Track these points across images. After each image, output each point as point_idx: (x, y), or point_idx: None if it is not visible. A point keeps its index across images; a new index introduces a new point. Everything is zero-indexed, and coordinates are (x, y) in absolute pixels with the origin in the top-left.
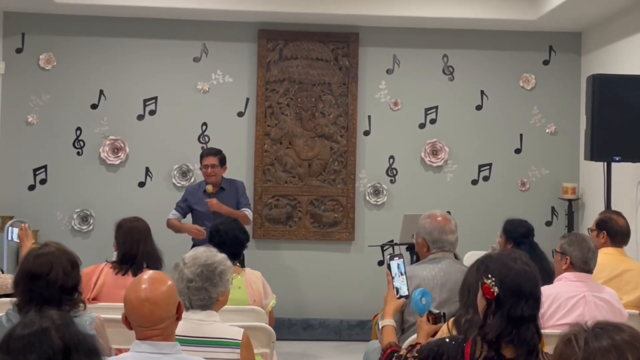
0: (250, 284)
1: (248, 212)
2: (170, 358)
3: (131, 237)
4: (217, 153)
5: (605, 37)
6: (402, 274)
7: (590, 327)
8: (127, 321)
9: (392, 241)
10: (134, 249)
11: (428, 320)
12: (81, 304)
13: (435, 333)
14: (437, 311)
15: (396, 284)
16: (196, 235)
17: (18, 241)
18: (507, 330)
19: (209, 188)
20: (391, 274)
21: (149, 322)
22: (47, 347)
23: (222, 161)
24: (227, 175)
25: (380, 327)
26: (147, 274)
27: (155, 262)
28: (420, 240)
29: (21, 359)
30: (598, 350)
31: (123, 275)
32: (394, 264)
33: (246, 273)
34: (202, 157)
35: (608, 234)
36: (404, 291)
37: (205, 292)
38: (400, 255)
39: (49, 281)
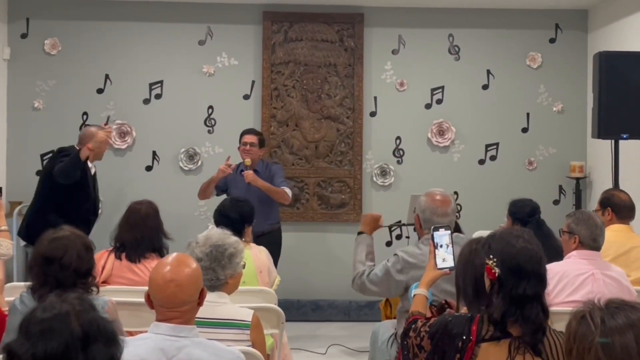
0: (256, 255)
1: (287, 189)
2: (187, 341)
3: (121, 224)
4: (258, 134)
5: (612, 14)
6: (445, 245)
7: (603, 304)
8: (149, 300)
9: (399, 222)
10: (122, 236)
11: (432, 313)
12: (94, 288)
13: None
14: (438, 302)
15: (438, 254)
16: (222, 174)
17: None
18: (511, 310)
19: (247, 161)
20: (434, 244)
21: (171, 304)
22: (67, 334)
23: (262, 143)
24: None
25: (412, 294)
26: (173, 256)
27: (147, 249)
28: (415, 216)
29: (40, 345)
30: (615, 328)
31: (121, 260)
32: (437, 234)
33: (252, 247)
34: (242, 135)
35: (612, 209)
36: (444, 264)
37: (213, 273)
38: (447, 227)
39: (63, 264)
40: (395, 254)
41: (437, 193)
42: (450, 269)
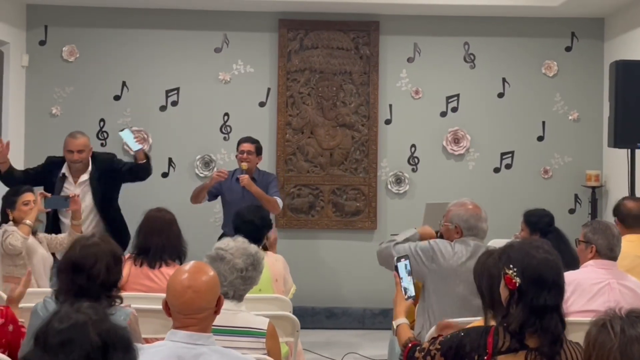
0: (273, 264)
1: (278, 200)
2: (204, 349)
3: (145, 230)
4: (255, 142)
5: (628, 22)
6: (409, 275)
7: (624, 313)
8: (167, 307)
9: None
10: (147, 241)
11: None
12: (118, 300)
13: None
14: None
15: (404, 284)
16: (217, 178)
17: None
18: (530, 321)
19: (244, 165)
20: (399, 275)
21: (188, 310)
22: (86, 344)
23: (258, 151)
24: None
25: (394, 326)
26: (191, 263)
27: (172, 255)
28: (453, 227)
29: (61, 357)
30: (635, 338)
31: (141, 267)
32: (401, 265)
33: (269, 255)
34: (239, 143)
35: (619, 219)
36: (411, 292)
37: (253, 282)
38: (406, 257)
39: (91, 276)
40: (429, 243)
41: (468, 202)
42: (413, 298)
